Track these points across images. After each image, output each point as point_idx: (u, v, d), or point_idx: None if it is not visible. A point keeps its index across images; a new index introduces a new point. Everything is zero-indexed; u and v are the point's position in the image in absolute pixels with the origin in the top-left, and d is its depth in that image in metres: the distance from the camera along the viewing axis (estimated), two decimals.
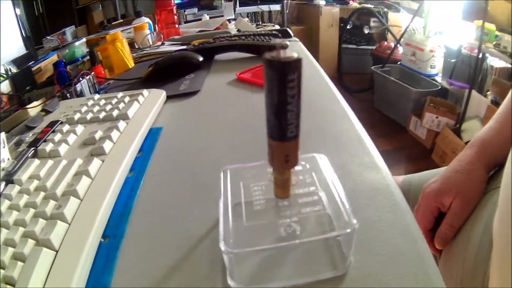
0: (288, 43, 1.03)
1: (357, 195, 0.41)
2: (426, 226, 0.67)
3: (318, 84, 0.77)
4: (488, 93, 2.32)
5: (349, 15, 3.67)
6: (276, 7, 3.31)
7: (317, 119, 0.60)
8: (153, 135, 0.58)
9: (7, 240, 0.34)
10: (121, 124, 0.55)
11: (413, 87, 2.74)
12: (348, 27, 3.78)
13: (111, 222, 0.38)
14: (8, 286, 0.30)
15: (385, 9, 3.55)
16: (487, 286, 0.53)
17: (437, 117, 2.51)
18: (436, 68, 2.84)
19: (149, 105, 0.64)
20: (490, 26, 2.32)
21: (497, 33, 2.32)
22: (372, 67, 3.22)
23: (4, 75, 0.85)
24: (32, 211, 0.38)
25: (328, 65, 3.78)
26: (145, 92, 0.68)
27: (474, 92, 2.33)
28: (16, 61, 0.88)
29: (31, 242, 0.34)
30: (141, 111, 0.61)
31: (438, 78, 2.82)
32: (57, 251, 0.33)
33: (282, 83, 0.25)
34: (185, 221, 0.38)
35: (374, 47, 3.63)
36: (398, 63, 3.18)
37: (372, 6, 3.62)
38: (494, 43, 2.31)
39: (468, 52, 2.52)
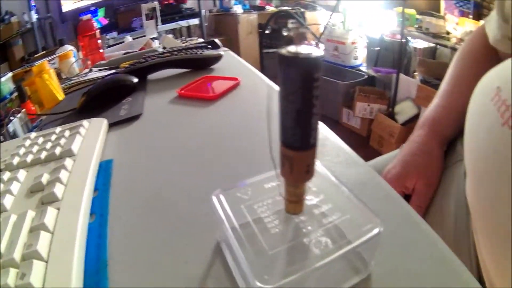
0: (222, 52, 1.00)
1: None
2: None
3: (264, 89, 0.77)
4: (416, 73, 2.45)
5: (267, 20, 3.71)
6: (194, 21, 3.30)
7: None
8: (105, 169, 0.51)
9: None
10: (68, 162, 0.48)
11: (340, 80, 2.82)
12: (266, 32, 3.83)
13: (87, 281, 0.32)
14: None
15: (302, 10, 3.64)
16: (475, 255, 0.54)
17: (368, 105, 2.60)
18: (359, 58, 2.95)
19: (93, 136, 0.57)
20: (411, 11, 2.46)
21: (417, 16, 2.47)
22: None
23: None
24: None
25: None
26: (85, 122, 0.61)
27: (401, 75, 2.44)
28: None
29: None
30: (85, 144, 0.54)
31: (363, 68, 2.93)
32: None
33: (308, 84, 0.21)
34: (176, 262, 0.33)
35: None
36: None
37: (289, 8, 3.69)
38: (416, 26, 2.45)
39: (391, 38, 2.64)
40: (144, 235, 0.37)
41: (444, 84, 0.75)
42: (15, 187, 0.45)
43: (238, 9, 3.83)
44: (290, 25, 3.88)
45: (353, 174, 0.44)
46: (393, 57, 2.55)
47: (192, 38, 1.66)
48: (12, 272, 0.30)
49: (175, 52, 0.95)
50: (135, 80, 0.84)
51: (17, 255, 0.32)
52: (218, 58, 0.97)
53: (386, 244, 0.31)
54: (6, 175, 0.47)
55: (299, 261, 0.25)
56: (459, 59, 0.75)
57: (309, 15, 3.69)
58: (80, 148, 0.53)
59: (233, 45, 3.91)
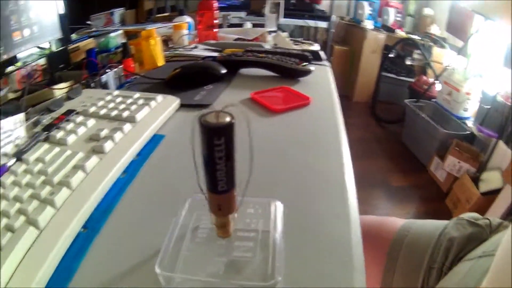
0: (313, 68, 1.01)
1: None
2: None
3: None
4: None
5: (394, 43, 3.65)
6: (322, 25, 3.32)
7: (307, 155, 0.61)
8: (155, 141, 0.62)
9: (4, 211, 0.41)
10: (127, 127, 0.59)
11: (443, 127, 2.72)
12: (390, 55, 3.76)
13: (93, 215, 0.44)
14: None
15: (430, 43, 3.52)
16: None
17: (459, 162, 2.49)
18: (469, 111, 2.81)
19: (159, 111, 0.68)
20: None
21: None
22: (406, 100, 3.20)
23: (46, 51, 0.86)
24: (30, 191, 0.44)
25: (364, 90, 3.83)
26: (159, 97, 0.72)
27: (501, 143, 2.29)
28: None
29: (22, 218, 0.40)
30: (149, 116, 0.65)
31: (469, 122, 2.79)
32: (41, 231, 0.39)
33: (210, 146, 0.28)
34: (158, 227, 0.42)
35: (412, 80, 3.60)
36: (433, 100, 3.15)
37: (418, 38, 3.59)
38: None
39: (503, 100, 2.46)
40: (150, 200, 0.49)
41: None
42: (81, 130, 0.59)
43: (368, 24, 3.79)
44: (415, 56, 3.78)
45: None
46: (500, 120, 2.40)
47: (305, 42, 1.67)
48: (47, 188, 0.45)
49: (270, 55, 1.02)
50: (223, 71, 0.93)
51: (56, 178, 0.46)
52: (306, 72, 1.00)
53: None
54: (79, 118, 0.61)
55: (201, 270, 0.35)
56: None
57: (436, 51, 3.56)
58: (143, 118, 0.64)
59: (355, 58, 3.89)
